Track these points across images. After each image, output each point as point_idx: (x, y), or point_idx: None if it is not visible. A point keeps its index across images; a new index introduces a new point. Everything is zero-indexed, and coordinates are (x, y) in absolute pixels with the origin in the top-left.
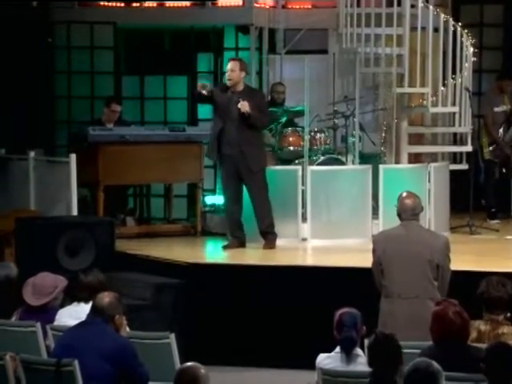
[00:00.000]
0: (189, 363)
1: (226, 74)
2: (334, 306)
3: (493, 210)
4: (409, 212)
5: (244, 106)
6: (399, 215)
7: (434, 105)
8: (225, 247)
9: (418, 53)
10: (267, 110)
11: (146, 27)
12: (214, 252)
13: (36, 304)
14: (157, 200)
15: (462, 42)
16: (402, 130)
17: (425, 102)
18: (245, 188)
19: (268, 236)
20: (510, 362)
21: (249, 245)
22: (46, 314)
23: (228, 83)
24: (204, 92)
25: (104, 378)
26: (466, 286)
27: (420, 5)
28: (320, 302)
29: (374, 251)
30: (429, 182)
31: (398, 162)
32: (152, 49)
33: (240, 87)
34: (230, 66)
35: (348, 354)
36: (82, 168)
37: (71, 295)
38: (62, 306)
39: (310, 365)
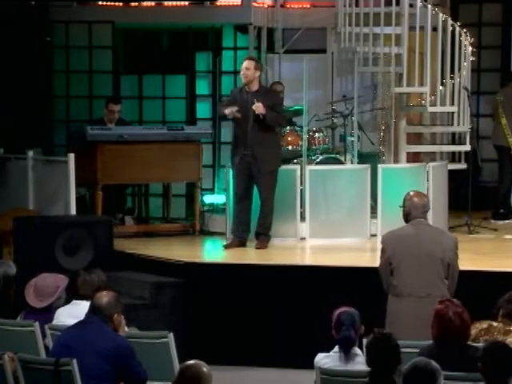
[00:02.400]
0: (191, 361)
1: (241, 73)
2: (333, 306)
3: (501, 210)
4: (420, 210)
5: (259, 108)
6: (407, 215)
7: (433, 104)
8: (225, 247)
9: (417, 52)
10: (282, 110)
11: (144, 26)
12: (212, 251)
13: (40, 306)
14: (155, 199)
15: (460, 42)
16: (400, 129)
17: (423, 101)
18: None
19: (261, 237)
20: (507, 362)
21: (248, 244)
22: (50, 313)
23: (243, 81)
24: (238, 115)
25: (102, 377)
26: (465, 285)
27: (418, 4)
28: (318, 302)
29: (383, 251)
30: (427, 181)
31: (396, 161)
32: (150, 48)
33: (255, 87)
34: (245, 64)
35: (346, 354)
36: (80, 167)
37: (72, 293)
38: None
39: (309, 364)
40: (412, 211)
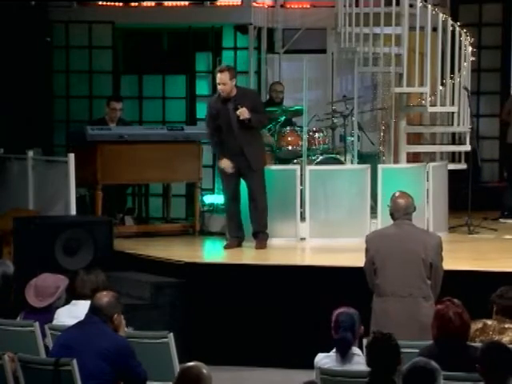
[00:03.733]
0: (191, 362)
1: (219, 87)
2: (333, 306)
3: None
4: (401, 212)
5: (243, 113)
6: (392, 215)
7: (433, 104)
8: (226, 247)
9: (417, 52)
10: (263, 109)
11: (144, 27)
12: (212, 251)
13: (41, 306)
14: (155, 199)
15: (460, 42)
16: (400, 129)
17: (423, 101)
18: (243, 187)
19: (259, 235)
20: (505, 361)
21: (247, 244)
22: (50, 313)
23: (222, 95)
24: (230, 171)
25: (102, 377)
26: (465, 285)
27: (419, 4)
28: (318, 302)
29: (366, 250)
30: (427, 181)
31: (396, 161)
32: (150, 48)
33: (233, 93)
34: (220, 79)
35: (343, 355)
36: (80, 167)
37: (71, 293)
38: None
39: (309, 364)
40: (394, 213)
